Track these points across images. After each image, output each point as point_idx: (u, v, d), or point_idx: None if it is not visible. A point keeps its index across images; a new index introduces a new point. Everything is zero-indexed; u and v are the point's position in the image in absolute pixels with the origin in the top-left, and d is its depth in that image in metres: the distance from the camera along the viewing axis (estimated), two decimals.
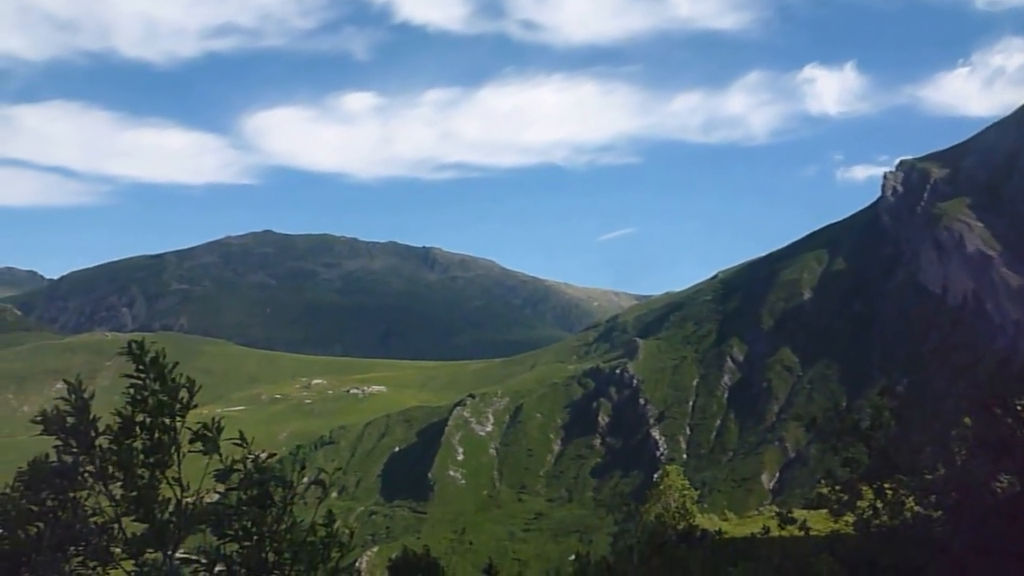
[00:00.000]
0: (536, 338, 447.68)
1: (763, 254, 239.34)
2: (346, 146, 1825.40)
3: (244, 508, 7.00)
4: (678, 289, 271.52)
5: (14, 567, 7.41)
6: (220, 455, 7.21)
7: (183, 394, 7.75)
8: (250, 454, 7.20)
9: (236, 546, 6.92)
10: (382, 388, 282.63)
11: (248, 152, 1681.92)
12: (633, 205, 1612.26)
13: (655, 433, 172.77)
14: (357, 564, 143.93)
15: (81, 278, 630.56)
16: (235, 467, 7.28)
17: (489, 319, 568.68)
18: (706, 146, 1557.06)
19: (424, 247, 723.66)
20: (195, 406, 7.84)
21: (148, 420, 7.64)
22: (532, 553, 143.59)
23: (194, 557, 6.90)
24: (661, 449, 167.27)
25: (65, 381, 7.99)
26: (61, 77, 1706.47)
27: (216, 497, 7.84)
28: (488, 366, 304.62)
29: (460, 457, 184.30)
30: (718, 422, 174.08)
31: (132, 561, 7.49)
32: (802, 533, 17.15)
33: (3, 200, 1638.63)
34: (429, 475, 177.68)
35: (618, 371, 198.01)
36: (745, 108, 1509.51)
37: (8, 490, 7.78)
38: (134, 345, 7.84)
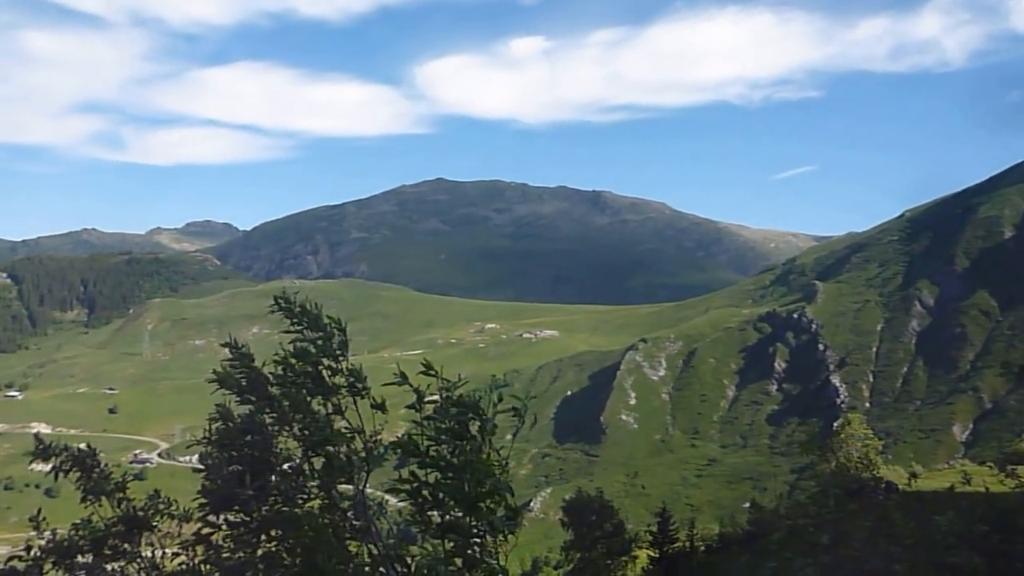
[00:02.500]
0: (709, 281, 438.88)
1: (957, 190, 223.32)
2: (514, 91, 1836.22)
3: (443, 438, 6.95)
4: (861, 229, 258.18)
5: (225, 504, 7.95)
6: (411, 384, 7.26)
7: (337, 336, 7.97)
8: (444, 385, 7.17)
9: (437, 475, 6.93)
10: (554, 332, 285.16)
11: (420, 102, 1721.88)
12: (812, 141, 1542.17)
13: (835, 380, 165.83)
14: (531, 504, 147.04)
15: (271, 228, 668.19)
16: (429, 398, 7.28)
17: (660, 262, 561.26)
18: (893, 75, 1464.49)
19: (594, 191, 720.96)
20: (348, 341, 8.07)
21: (312, 365, 7.94)
22: (705, 499, 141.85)
23: (400, 486, 6.92)
24: (841, 396, 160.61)
25: (226, 344, 8.39)
26: (247, 39, 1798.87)
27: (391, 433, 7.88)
28: (660, 310, 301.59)
29: (632, 401, 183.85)
30: (904, 369, 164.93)
31: (324, 496, 7.91)
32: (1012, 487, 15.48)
33: (200, 158, 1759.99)
34: (601, 419, 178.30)
35: (796, 315, 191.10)
36: (939, 30, 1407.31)
37: (205, 437, 8.26)
38: (280, 300, 8.11)
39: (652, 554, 39.07)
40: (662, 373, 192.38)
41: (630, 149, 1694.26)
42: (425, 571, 6.64)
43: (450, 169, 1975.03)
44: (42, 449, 8.90)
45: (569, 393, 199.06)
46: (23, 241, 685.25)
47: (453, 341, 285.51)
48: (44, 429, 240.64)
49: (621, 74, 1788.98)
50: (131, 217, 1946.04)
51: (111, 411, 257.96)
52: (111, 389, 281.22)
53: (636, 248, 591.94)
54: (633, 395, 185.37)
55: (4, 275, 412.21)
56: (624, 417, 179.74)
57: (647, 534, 40.57)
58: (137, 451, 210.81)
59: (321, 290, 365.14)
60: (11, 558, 8.24)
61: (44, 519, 8.68)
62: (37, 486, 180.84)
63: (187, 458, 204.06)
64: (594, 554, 40.93)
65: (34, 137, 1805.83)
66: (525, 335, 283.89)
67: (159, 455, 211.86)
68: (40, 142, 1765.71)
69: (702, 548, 40.88)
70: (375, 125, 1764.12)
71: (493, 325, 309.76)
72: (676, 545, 38.87)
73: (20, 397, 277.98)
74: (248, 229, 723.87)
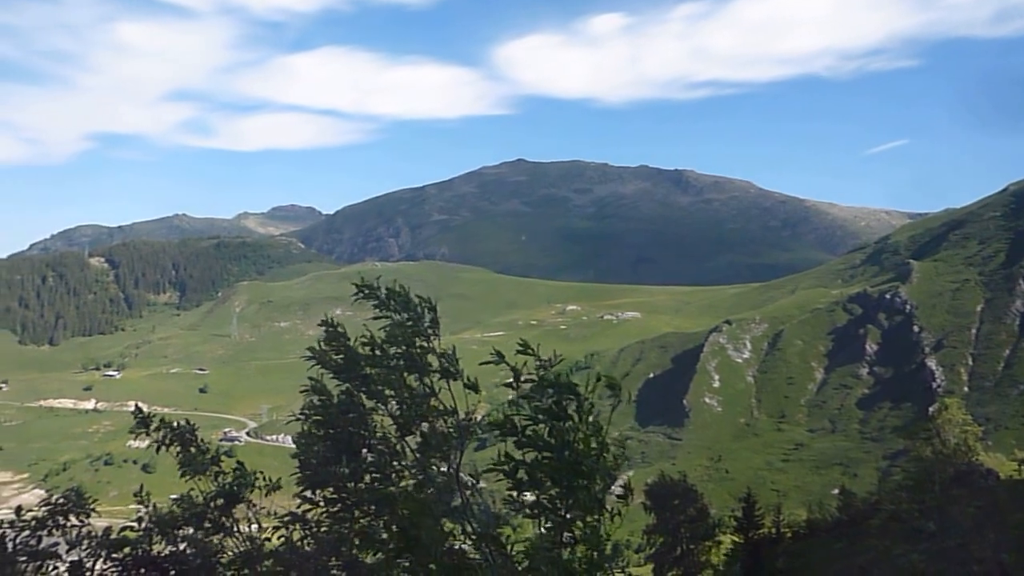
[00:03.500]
0: (796, 261, 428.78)
1: None
2: (595, 70, 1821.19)
3: (540, 417, 7.10)
4: (959, 205, 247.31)
5: (322, 481, 8.35)
6: (508, 363, 7.37)
7: (428, 316, 8.08)
8: (540, 364, 7.24)
9: (534, 454, 7.06)
10: (636, 313, 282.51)
11: (499, 83, 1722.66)
12: (907, 114, 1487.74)
13: (931, 363, 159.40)
14: (612, 487, 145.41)
15: (353, 212, 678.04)
16: (526, 378, 7.37)
17: (745, 242, 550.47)
18: (997, 41, 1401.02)
19: (676, 169, 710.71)
20: (439, 320, 8.17)
21: (404, 346, 8.05)
22: (791, 484, 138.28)
23: (498, 466, 7.08)
24: (938, 380, 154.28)
25: (322, 323, 8.69)
26: (329, 24, 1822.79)
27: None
28: (745, 291, 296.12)
29: (716, 384, 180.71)
30: (1007, 352, 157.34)
31: (419, 475, 8.20)
32: None
33: (285, 143, 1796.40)
34: (684, 401, 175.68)
35: (889, 295, 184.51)
36: None
37: (301, 416, 8.64)
38: (363, 287, 8.34)
39: (737, 539, 37.86)
40: (747, 355, 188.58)
41: (714, 126, 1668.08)
42: (525, 553, 6.91)
43: (530, 150, 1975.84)
44: (142, 419, 9.77)
45: (651, 375, 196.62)
46: (119, 227, 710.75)
47: (534, 323, 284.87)
48: (141, 407, 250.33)
49: (704, 49, 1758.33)
50: (219, 202, 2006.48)
51: (202, 390, 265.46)
52: (201, 369, 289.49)
53: (720, 228, 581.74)
54: (717, 378, 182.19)
55: (102, 260, 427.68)
56: (707, 400, 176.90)
57: (731, 519, 39.48)
58: (227, 429, 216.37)
59: (402, 272, 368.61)
60: (123, 529, 8.86)
61: (148, 493, 9.25)
62: (135, 462, 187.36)
63: (273, 437, 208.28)
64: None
65: (128, 126, 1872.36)
66: (606, 316, 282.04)
67: (247, 433, 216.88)
68: (134, 131, 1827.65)
69: (789, 534, 39.13)
70: (455, 107, 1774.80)
71: (574, 306, 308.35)
72: (761, 531, 37.36)
73: (118, 376, 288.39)
74: (331, 213, 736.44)
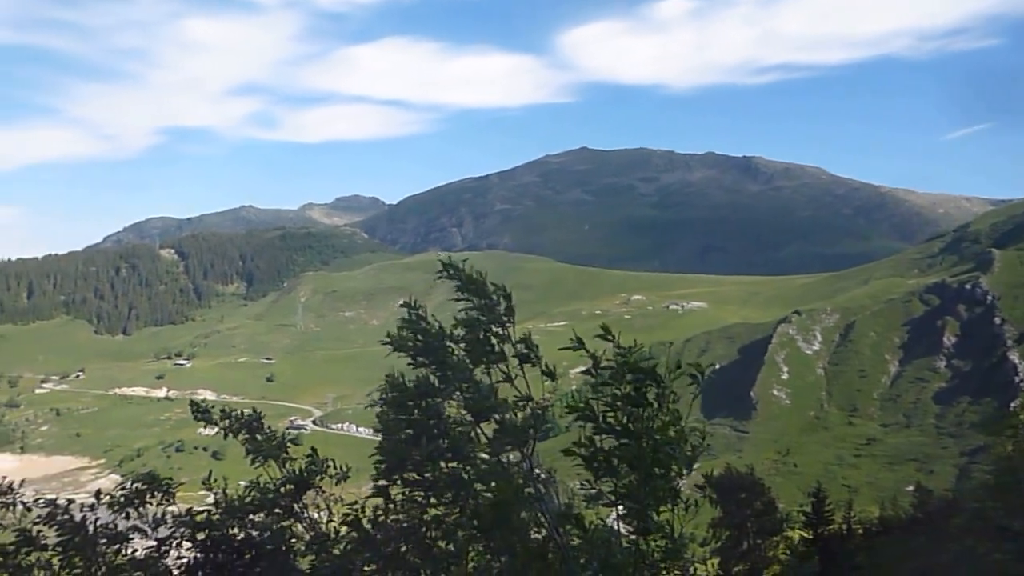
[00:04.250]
0: (869, 250, 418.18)
1: None
2: (660, 56, 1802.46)
3: (618, 404, 7.07)
4: None
5: (399, 465, 8.53)
6: (587, 350, 7.32)
7: (503, 304, 8.18)
8: (619, 351, 7.20)
9: (614, 440, 7.05)
10: (702, 304, 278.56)
11: (563, 70, 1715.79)
12: (990, 95, 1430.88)
13: (1013, 356, 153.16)
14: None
15: (416, 202, 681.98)
16: (603, 365, 7.30)
17: (816, 230, 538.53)
18: None
19: (744, 156, 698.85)
20: (513, 314, 8.20)
21: (479, 332, 8.09)
22: (863, 480, 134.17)
23: (576, 450, 7.02)
24: (1020, 374, 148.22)
25: (404, 304, 8.71)
26: (391, 14, 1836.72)
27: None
28: (815, 281, 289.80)
29: (784, 376, 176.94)
30: None
31: (494, 462, 8.25)
32: None
33: (348, 134, 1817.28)
34: (751, 393, 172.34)
35: (968, 286, 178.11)
36: None
37: (380, 401, 8.82)
38: (449, 267, 8.38)
39: (805, 535, 35.84)
40: (817, 347, 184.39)
41: (784, 112, 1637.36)
42: (598, 538, 6.87)
43: (594, 138, 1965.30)
44: (203, 412, 10.20)
45: (717, 366, 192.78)
46: (188, 219, 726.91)
47: (598, 312, 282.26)
48: (209, 395, 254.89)
49: (774, 32, 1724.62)
50: (284, 193, 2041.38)
51: (268, 379, 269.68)
52: (268, 359, 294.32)
53: (790, 216, 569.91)
54: (786, 370, 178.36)
55: (172, 251, 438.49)
56: (776, 392, 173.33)
57: (800, 514, 37.80)
58: (292, 418, 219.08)
59: (466, 262, 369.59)
60: (198, 513, 9.09)
61: (216, 480, 9.47)
62: (205, 448, 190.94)
63: (338, 425, 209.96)
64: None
65: (197, 120, 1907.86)
66: (672, 307, 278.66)
67: (312, 422, 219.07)
68: (202, 125, 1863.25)
69: (860, 531, 36.78)
70: (518, 95, 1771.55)
71: (639, 296, 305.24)
72: (831, 527, 35.11)
73: (188, 365, 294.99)
74: (394, 203, 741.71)
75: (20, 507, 8.89)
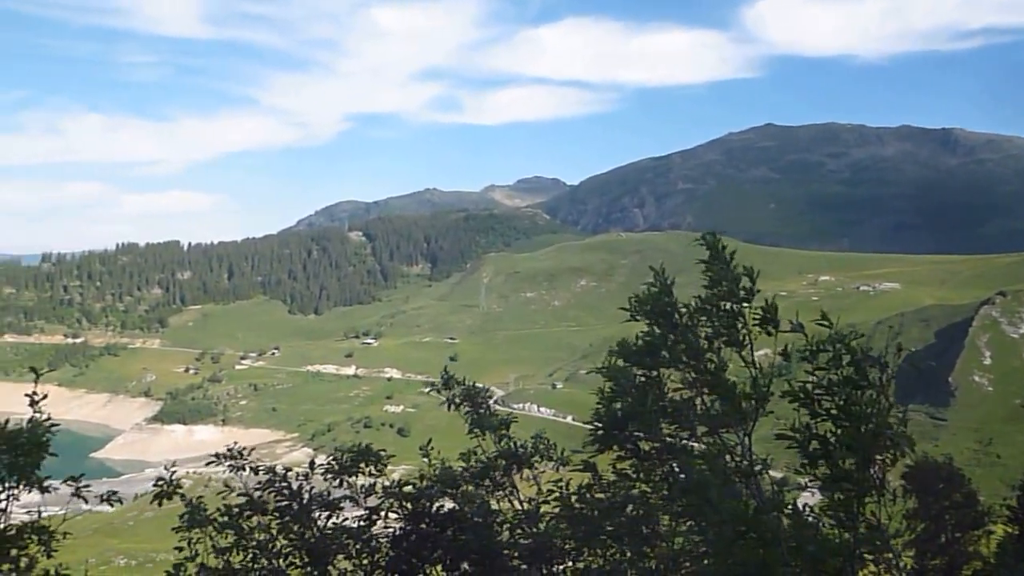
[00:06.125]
0: None
1: None
2: (850, 24, 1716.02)
3: (835, 388, 6.97)
4: None
5: (618, 432, 8.41)
6: (805, 333, 7.33)
7: (745, 281, 8.20)
8: (835, 334, 7.22)
9: (830, 425, 6.94)
10: (895, 285, 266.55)
11: (747, 44, 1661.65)
12: None
13: None
14: None
15: (597, 182, 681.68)
16: (822, 347, 7.27)
17: (1022, 206, 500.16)
18: None
19: (943, 128, 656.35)
20: (758, 291, 8.24)
21: (719, 305, 8.16)
22: None
23: (789, 433, 6.97)
24: None
25: (651, 268, 8.68)
26: None
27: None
28: (1021, 260, 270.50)
29: (987, 361, 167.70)
30: None
31: (710, 436, 8.16)
32: None
33: (529, 116, 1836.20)
34: (949, 379, 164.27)
35: None
36: None
37: (601, 368, 8.67)
38: (707, 236, 8.42)
39: (1010, 530, 35.34)
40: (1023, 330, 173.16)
41: (988, 79, 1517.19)
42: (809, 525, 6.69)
43: (780, 114, 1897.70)
44: (446, 380, 10.84)
45: (912, 350, 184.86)
46: (375, 202, 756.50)
47: (783, 294, 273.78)
48: (395, 374, 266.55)
49: None
50: (467, 175, 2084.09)
51: (452, 359, 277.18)
52: (452, 338, 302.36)
53: (993, 190, 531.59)
54: (988, 354, 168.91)
55: (360, 234, 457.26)
56: (977, 378, 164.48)
57: (1003, 508, 36.82)
58: None
59: (648, 242, 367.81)
60: (405, 484, 9.47)
61: (433, 449, 9.96)
62: (391, 425, 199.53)
63: (520, 405, 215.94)
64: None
65: (383, 106, 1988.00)
66: (862, 287, 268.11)
67: (495, 402, 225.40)
68: (388, 110, 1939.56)
69: None
70: (701, 72, 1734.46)
71: (827, 277, 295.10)
72: None
73: (375, 344, 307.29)
74: (575, 183, 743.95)
75: (247, 472, 9.56)
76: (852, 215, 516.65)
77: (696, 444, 8.25)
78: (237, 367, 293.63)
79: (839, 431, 6.91)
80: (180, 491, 9.14)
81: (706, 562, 7.75)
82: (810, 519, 7.24)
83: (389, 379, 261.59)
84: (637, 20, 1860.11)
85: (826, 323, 7.33)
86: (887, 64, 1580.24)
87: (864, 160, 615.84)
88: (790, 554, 6.62)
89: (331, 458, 9.72)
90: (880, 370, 7.03)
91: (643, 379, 8.40)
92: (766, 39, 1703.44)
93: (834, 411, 6.93)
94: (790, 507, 7.08)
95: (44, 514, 7.39)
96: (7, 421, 7.31)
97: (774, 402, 7.95)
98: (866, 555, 7.09)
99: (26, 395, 7.40)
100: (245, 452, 9.71)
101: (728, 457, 7.92)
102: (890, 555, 7.15)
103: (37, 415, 7.37)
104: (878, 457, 6.92)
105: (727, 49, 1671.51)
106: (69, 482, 7.62)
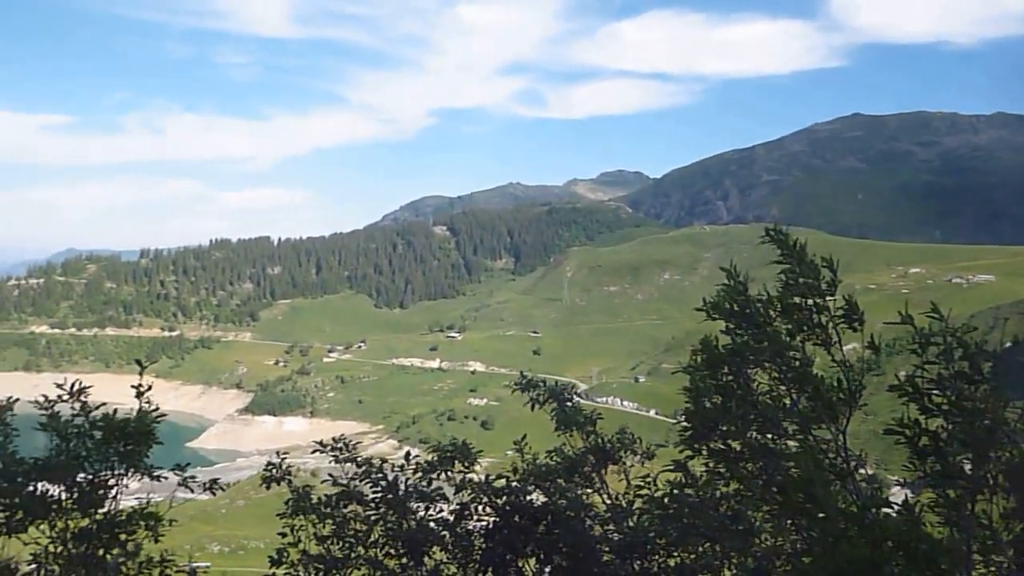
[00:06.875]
0: None
1: None
2: (943, 9, 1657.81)
3: (946, 382, 6.82)
4: None
5: (708, 431, 8.21)
6: (914, 325, 7.12)
7: (825, 274, 7.87)
8: (947, 327, 7.04)
9: (940, 420, 6.80)
10: (990, 277, 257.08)
11: (834, 33, 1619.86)
12: None
13: None
14: None
15: (680, 175, 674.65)
16: (933, 339, 7.10)
17: None
18: None
19: None
20: (840, 282, 7.95)
21: (798, 301, 7.90)
22: None
23: (897, 428, 6.81)
24: None
25: (722, 268, 8.42)
26: None
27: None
28: None
29: None
30: None
31: (802, 436, 7.94)
32: None
33: (612, 109, 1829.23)
34: None
35: None
36: None
37: (688, 366, 8.45)
38: (772, 231, 8.17)
39: None
40: None
41: None
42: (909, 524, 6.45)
43: (867, 103, 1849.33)
44: (527, 382, 10.48)
45: (1008, 345, 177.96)
46: (459, 196, 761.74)
47: (872, 287, 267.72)
48: (479, 367, 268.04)
49: None
50: (550, 169, 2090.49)
51: (535, 352, 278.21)
52: (535, 332, 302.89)
53: None
54: None
55: (444, 228, 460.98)
56: None
57: None
58: None
59: (732, 235, 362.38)
60: (498, 477, 9.51)
61: (526, 442, 9.90)
62: (475, 418, 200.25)
63: (603, 399, 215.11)
64: None
65: (469, 101, 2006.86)
66: (955, 280, 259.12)
67: (578, 395, 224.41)
68: (473, 105, 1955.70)
69: None
70: (785, 62, 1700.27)
71: (917, 269, 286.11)
72: None
73: (459, 338, 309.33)
74: (658, 176, 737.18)
75: (347, 463, 9.71)
76: (944, 205, 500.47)
77: (788, 443, 8.02)
78: (325, 360, 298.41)
79: (951, 427, 6.73)
80: (289, 477, 9.50)
81: (805, 560, 7.48)
82: (912, 518, 6.85)
83: (473, 372, 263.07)
84: (720, 12, 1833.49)
85: (936, 315, 7.06)
86: (981, 49, 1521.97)
87: (957, 148, 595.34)
88: (897, 552, 6.34)
89: (429, 453, 9.87)
90: (994, 364, 6.84)
91: (729, 377, 8.24)
92: (854, 27, 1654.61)
93: (946, 406, 6.77)
94: (899, 505, 6.79)
95: (146, 501, 7.66)
96: (115, 411, 7.55)
97: (865, 396, 7.79)
98: (976, 555, 6.79)
99: (132, 386, 7.62)
100: (349, 443, 9.95)
101: (821, 455, 7.69)
102: (1002, 557, 6.79)
103: (145, 405, 7.60)
104: (992, 454, 6.69)
105: (813, 38, 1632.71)
106: (176, 471, 7.87)
